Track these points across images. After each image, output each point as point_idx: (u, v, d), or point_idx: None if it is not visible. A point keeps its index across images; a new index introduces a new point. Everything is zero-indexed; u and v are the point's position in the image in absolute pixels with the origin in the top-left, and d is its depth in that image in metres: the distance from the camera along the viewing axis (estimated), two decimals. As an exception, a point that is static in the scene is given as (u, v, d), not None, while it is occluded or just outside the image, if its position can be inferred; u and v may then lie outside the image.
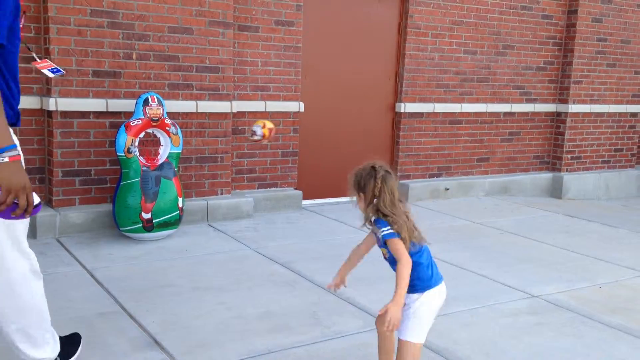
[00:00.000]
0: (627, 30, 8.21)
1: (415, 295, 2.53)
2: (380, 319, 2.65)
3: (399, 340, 2.56)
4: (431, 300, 2.54)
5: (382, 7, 6.73)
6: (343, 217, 6.06)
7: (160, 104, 4.95)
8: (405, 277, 2.43)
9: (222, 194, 5.80)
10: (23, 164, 2.11)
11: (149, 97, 4.91)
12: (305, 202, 6.45)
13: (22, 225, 2.38)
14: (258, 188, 6.17)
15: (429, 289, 2.53)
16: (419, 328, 2.53)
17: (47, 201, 5.15)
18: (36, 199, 2.11)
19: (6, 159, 2.01)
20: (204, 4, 5.43)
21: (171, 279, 4.11)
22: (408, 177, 7.10)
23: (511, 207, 6.99)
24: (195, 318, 3.49)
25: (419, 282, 2.52)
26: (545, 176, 7.99)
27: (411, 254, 2.49)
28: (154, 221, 4.85)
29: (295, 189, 6.35)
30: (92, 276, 4.12)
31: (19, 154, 2.07)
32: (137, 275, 4.17)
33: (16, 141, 2.16)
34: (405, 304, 2.51)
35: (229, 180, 5.84)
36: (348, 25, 6.55)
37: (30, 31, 4.93)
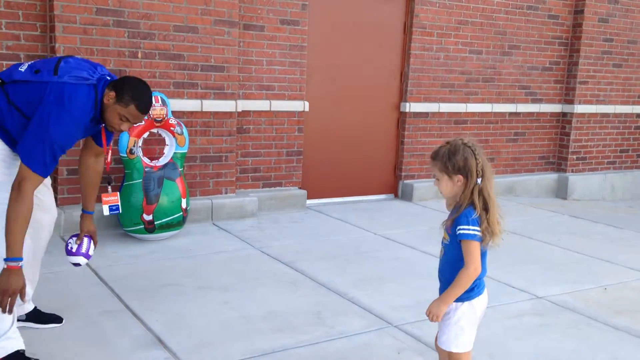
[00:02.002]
0: (634, 30, 8.17)
1: (455, 305, 2.36)
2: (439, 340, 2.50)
3: (449, 354, 2.41)
4: (472, 310, 2.38)
5: (388, 6, 6.71)
6: (347, 216, 6.05)
7: (164, 104, 4.94)
8: (464, 285, 2.27)
9: (226, 193, 5.80)
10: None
11: (153, 97, 4.90)
12: (309, 201, 6.45)
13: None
14: (262, 187, 6.17)
15: (469, 299, 2.37)
16: (462, 338, 2.37)
17: (52, 199, 5.16)
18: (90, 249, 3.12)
19: (5, 266, 2.55)
20: (210, 3, 5.43)
21: (175, 278, 4.11)
22: (413, 177, 7.08)
23: (516, 207, 6.96)
24: (199, 317, 3.49)
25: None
26: (551, 177, 7.97)
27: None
28: (155, 223, 4.84)
29: (300, 188, 6.35)
30: (97, 275, 4.12)
31: (18, 265, 2.56)
32: (141, 274, 4.17)
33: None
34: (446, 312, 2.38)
35: (234, 179, 5.84)
36: (353, 25, 6.54)
37: (36, 29, 4.94)
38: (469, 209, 2.29)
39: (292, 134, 6.21)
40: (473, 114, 7.33)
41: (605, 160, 8.38)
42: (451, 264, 2.37)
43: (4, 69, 4.84)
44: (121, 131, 2.92)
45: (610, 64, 8.06)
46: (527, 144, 7.85)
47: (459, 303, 2.36)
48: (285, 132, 6.16)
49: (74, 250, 3.10)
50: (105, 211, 3.52)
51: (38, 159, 2.61)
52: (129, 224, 4.84)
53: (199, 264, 4.44)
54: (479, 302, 2.40)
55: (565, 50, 7.87)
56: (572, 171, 8.05)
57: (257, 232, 5.36)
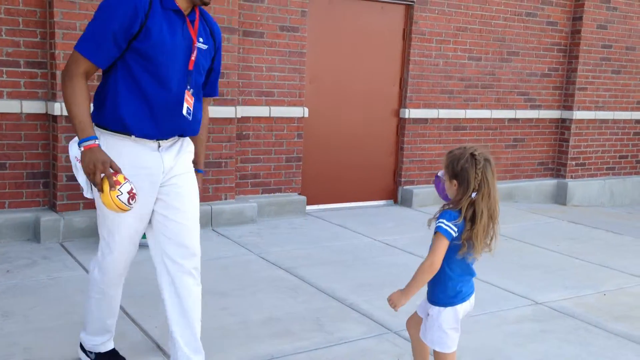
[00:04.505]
0: (632, 37, 8.20)
1: (437, 309, 2.42)
2: (410, 321, 2.65)
3: (435, 352, 2.50)
4: (455, 315, 2.42)
5: (387, 13, 6.73)
6: (347, 222, 6.05)
7: None
8: (419, 279, 2.32)
9: (226, 199, 5.81)
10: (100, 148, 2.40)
11: None
12: (309, 207, 6.45)
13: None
14: (262, 193, 6.17)
15: (452, 305, 2.41)
16: (447, 341, 2.43)
17: (51, 206, 5.16)
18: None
19: (82, 149, 2.37)
20: (209, 10, 5.44)
21: (174, 283, 4.10)
22: (412, 182, 7.09)
23: (515, 213, 6.97)
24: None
25: (444, 296, 2.41)
26: (550, 182, 7.97)
27: (456, 263, 2.37)
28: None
29: (299, 194, 6.35)
30: (96, 281, 4.12)
31: (93, 143, 2.37)
32: (139, 280, 4.16)
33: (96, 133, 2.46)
34: (428, 314, 2.46)
35: (233, 185, 5.85)
36: (353, 31, 6.56)
37: (36, 36, 4.96)
38: (456, 211, 2.33)
39: (292, 140, 6.22)
40: (472, 120, 7.34)
41: (605, 166, 8.39)
42: None
43: (4, 76, 4.88)
44: None
45: (609, 70, 8.08)
46: (526, 150, 7.86)
47: (442, 308, 2.40)
48: (284, 138, 6.17)
49: None
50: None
51: (83, 37, 2.44)
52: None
53: (198, 270, 4.43)
54: (462, 307, 2.44)
55: (564, 56, 7.89)
56: (572, 177, 8.06)
57: (257, 238, 5.36)
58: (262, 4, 5.87)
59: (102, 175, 2.33)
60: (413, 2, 6.72)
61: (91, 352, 2.91)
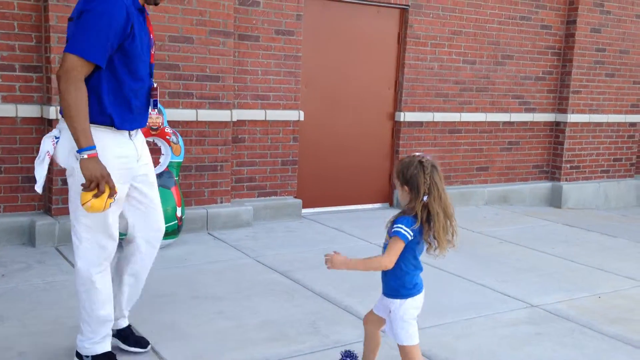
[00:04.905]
0: (626, 40, 8.24)
1: (399, 302, 2.62)
2: (367, 317, 2.83)
3: (401, 347, 2.68)
4: (415, 305, 2.65)
5: (382, 16, 6.76)
6: (343, 226, 6.06)
7: (159, 112, 4.96)
8: (369, 267, 2.58)
9: (221, 202, 5.81)
10: (100, 159, 2.60)
11: None
12: (304, 210, 6.45)
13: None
14: (258, 197, 6.18)
15: (412, 296, 2.63)
16: (410, 330, 2.64)
17: (47, 210, 5.15)
18: None
19: (85, 156, 2.54)
20: (205, 14, 5.46)
21: (170, 287, 4.11)
22: (407, 186, 7.09)
23: (511, 216, 6.99)
24: (194, 327, 3.48)
25: (403, 289, 2.62)
26: (545, 185, 8.00)
27: (410, 261, 2.60)
28: (151, 231, 4.83)
29: (295, 197, 6.36)
30: (91, 285, 4.11)
31: (95, 153, 2.57)
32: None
33: (95, 142, 2.61)
34: (390, 310, 2.66)
35: (229, 188, 5.85)
36: (348, 35, 6.58)
37: (31, 40, 4.95)
38: (412, 218, 2.53)
39: (287, 143, 6.23)
40: (467, 123, 7.36)
41: (599, 169, 8.42)
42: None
43: (-1, 79, 4.87)
44: None
45: (603, 73, 8.12)
46: (521, 153, 7.88)
47: (403, 300, 2.62)
48: (280, 142, 6.18)
49: None
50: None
51: (85, 42, 2.54)
52: (124, 234, 4.82)
53: (194, 274, 4.43)
54: (420, 298, 2.67)
55: (558, 60, 7.92)
56: (566, 180, 8.08)
57: (252, 241, 5.36)
58: (258, 8, 5.89)
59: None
60: (408, 5, 6.75)
61: (87, 357, 2.91)
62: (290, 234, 5.71)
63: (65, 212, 5.08)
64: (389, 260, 2.53)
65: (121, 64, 2.66)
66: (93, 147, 2.56)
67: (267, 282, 4.31)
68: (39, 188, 2.70)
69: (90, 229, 2.76)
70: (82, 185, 2.56)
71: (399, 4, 6.72)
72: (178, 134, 5.13)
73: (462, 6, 7.08)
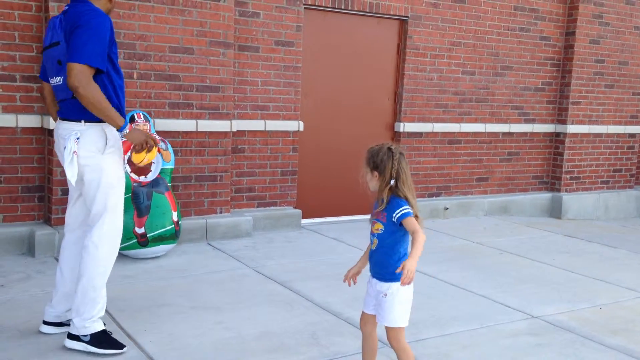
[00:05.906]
0: (625, 51, 8.27)
1: (396, 284, 2.65)
2: (362, 319, 2.85)
3: (390, 330, 2.72)
4: (408, 287, 2.70)
5: (382, 28, 6.78)
6: (342, 236, 6.05)
7: (146, 120, 5.03)
8: (422, 244, 2.59)
9: (221, 212, 5.80)
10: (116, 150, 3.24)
11: (135, 115, 5.04)
12: (304, 221, 6.45)
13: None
14: (257, 207, 6.17)
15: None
16: (405, 312, 2.70)
17: (46, 220, 5.15)
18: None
19: (127, 130, 3.13)
20: (205, 25, 5.48)
21: (169, 298, 4.09)
22: (407, 196, 7.09)
23: (510, 227, 6.98)
24: (193, 337, 3.46)
25: (401, 272, 2.62)
26: (545, 196, 8.00)
27: (406, 242, 2.71)
28: (148, 235, 4.84)
29: (295, 207, 6.35)
30: (90, 295, 4.09)
31: (131, 125, 3.24)
32: (134, 294, 4.15)
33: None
34: (385, 294, 2.69)
35: (228, 199, 5.85)
36: (347, 46, 6.60)
37: (32, 50, 4.97)
38: (398, 198, 2.65)
39: (287, 153, 6.23)
40: (467, 133, 7.38)
41: (599, 180, 8.42)
42: (389, 248, 2.72)
43: (0, 90, 4.88)
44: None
45: (602, 84, 8.15)
46: (520, 163, 7.89)
47: (397, 283, 2.65)
48: (280, 152, 6.18)
49: None
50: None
51: (90, 52, 3.01)
52: (122, 241, 4.81)
53: (193, 284, 4.42)
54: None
55: (557, 71, 7.95)
56: (566, 190, 8.08)
57: (252, 251, 5.35)
58: (258, 19, 5.91)
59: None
60: (407, 17, 6.78)
61: (85, 335, 3.12)
62: (290, 244, 5.70)
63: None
64: (423, 232, 2.63)
65: (110, 67, 3.14)
66: (127, 123, 3.13)
67: (266, 293, 4.30)
68: (74, 182, 3.12)
69: (121, 199, 3.26)
70: (134, 148, 3.27)
71: (399, 15, 6.75)
72: (166, 141, 5.17)
73: (462, 17, 7.11)
